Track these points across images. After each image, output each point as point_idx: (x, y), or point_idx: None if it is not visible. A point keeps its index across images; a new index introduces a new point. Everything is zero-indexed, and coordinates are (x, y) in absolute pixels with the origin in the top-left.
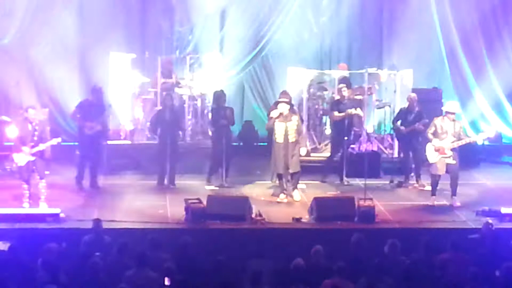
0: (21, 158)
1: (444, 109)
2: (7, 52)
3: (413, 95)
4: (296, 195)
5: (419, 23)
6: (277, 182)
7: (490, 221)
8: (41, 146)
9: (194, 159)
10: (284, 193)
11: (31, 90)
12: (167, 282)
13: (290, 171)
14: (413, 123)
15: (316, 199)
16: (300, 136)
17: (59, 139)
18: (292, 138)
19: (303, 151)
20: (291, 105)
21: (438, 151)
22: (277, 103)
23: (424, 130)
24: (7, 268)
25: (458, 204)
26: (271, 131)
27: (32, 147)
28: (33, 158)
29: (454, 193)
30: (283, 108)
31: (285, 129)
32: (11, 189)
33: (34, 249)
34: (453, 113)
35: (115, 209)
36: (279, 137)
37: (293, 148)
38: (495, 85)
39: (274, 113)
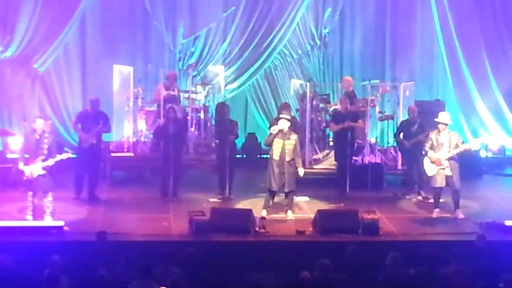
0: (31, 170)
1: (438, 120)
2: (10, 65)
3: (413, 106)
4: (290, 214)
5: (421, 35)
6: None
7: (483, 233)
8: (51, 161)
9: (198, 172)
10: (267, 210)
11: (34, 102)
12: None
13: (286, 189)
14: (416, 134)
15: (319, 212)
16: (296, 156)
17: (69, 154)
18: (288, 156)
19: (301, 172)
20: (295, 121)
21: (435, 163)
22: (278, 118)
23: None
24: (11, 281)
25: (461, 216)
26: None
27: (43, 160)
28: (43, 172)
29: (457, 205)
30: (284, 124)
31: (282, 146)
32: (14, 201)
33: (38, 262)
34: (445, 124)
35: (119, 221)
36: (275, 154)
37: (289, 166)
38: (498, 97)
39: (274, 129)
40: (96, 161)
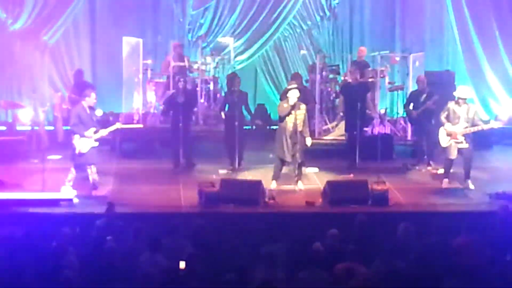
0: (85, 144)
1: (455, 94)
2: (20, 37)
3: (422, 76)
4: (300, 185)
5: (431, 5)
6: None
7: (505, 203)
8: (104, 132)
9: (207, 143)
10: (277, 181)
11: (44, 74)
12: (182, 265)
13: (299, 160)
14: (424, 104)
15: (329, 183)
16: (305, 126)
17: (120, 125)
18: (300, 127)
19: (308, 142)
20: (306, 91)
21: (450, 136)
22: (287, 90)
23: (435, 108)
24: (21, 252)
25: (471, 187)
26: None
27: (95, 132)
28: (96, 144)
29: (467, 176)
30: (296, 94)
31: (294, 117)
32: (25, 174)
33: (48, 234)
34: (464, 99)
35: (128, 193)
36: (289, 125)
37: (300, 136)
38: (507, 67)
39: (291, 101)
40: None
